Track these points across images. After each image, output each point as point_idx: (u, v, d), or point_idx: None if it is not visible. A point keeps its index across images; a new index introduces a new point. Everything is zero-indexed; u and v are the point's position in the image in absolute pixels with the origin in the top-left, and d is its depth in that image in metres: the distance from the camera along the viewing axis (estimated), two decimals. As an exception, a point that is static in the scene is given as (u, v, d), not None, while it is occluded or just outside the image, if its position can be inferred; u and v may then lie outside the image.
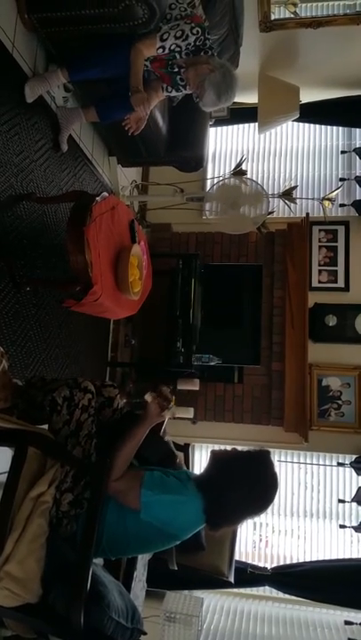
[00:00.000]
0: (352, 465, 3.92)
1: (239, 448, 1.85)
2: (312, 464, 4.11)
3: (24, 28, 2.55)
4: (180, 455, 3.32)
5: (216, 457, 1.84)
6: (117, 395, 2.03)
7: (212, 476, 1.77)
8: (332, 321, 4.14)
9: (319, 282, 4.31)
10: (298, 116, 4.11)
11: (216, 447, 4.20)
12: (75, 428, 1.75)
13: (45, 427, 1.76)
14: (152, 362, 4.21)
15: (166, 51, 2.49)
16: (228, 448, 1.87)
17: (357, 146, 4.46)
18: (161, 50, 2.47)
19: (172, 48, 2.48)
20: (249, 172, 4.19)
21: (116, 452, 1.72)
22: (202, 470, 1.86)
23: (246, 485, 1.71)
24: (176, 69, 2.64)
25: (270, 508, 1.80)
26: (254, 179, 4.55)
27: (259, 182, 3.74)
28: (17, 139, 2.51)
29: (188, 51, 2.51)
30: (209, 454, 1.87)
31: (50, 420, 1.76)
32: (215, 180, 4.53)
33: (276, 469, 1.79)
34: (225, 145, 4.79)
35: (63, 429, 1.74)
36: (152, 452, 1.94)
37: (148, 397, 1.82)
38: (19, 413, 1.92)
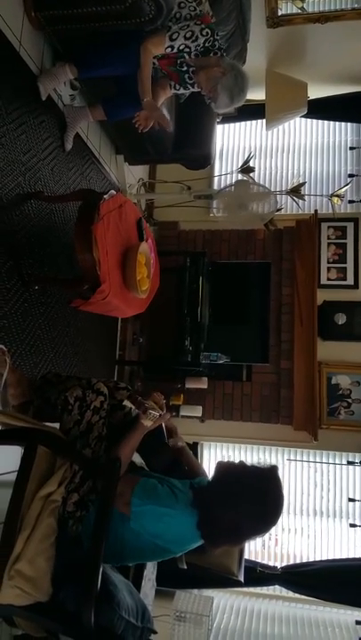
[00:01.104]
0: (362, 463, 3.90)
1: (249, 455, 1.78)
2: (322, 463, 4.08)
3: (31, 25, 2.55)
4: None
5: (221, 470, 1.75)
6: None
7: (213, 491, 1.69)
8: (341, 319, 4.11)
9: (328, 279, 4.28)
10: (306, 112, 4.08)
11: (225, 446, 4.21)
12: (85, 429, 1.74)
13: (57, 426, 1.75)
14: (160, 360, 4.21)
15: (175, 50, 2.48)
16: (236, 461, 1.78)
17: (366, 142, 4.43)
18: (170, 49, 2.47)
19: (180, 48, 2.47)
20: (257, 169, 4.17)
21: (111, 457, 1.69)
22: (209, 480, 1.80)
23: (247, 504, 1.61)
24: (185, 68, 2.63)
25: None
26: (262, 175, 4.56)
27: (267, 180, 3.71)
28: (24, 137, 2.51)
29: (197, 52, 2.51)
30: (215, 465, 1.79)
31: (61, 420, 1.75)
32: (223, 178, 4.52)
33: (286, 471, 1.70)
34: (232, 142, 4.77)
35: (73, 429, 1.73)
36: (158, 462, 1.92)
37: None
38: (34, 410, 1.92)
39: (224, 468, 1.76)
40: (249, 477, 1.68)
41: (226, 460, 1.87)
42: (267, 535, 4.05)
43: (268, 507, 1.64)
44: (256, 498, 1.62)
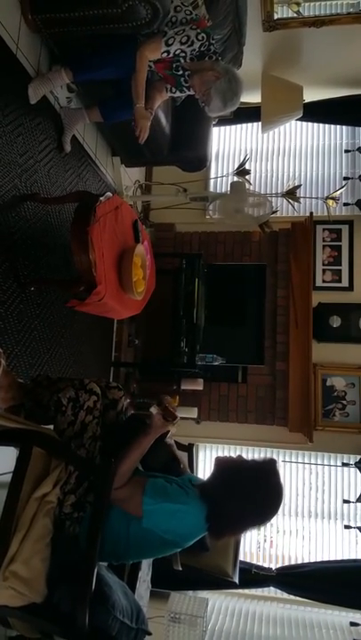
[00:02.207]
0: (357, 465, 3.91)
1: (245, 456, 1.83)
2: (317, 464, 4.10)
3: (28, 28, 2.56)
4: (184, 455, 3.31)
5: (221, 465, 1.81)
6: (122, 397, 2.02)
7: (216, 484, 1.74)
8: (336, 322, 4.12)
9: (323, 281, 4.30)
10: (301, 115, 4.10)
11: (220, 447, 4.22)
12: (79, 429, 1.75)
13: (51, 427, 1.75)
14: (156, 362, 4.21)
15: (171, 55, 2.50)
16: (234, 455, 1.85)
17: (361, 145, 4.45)
18: (166, 54, 2.49)
19: (176, 53, 2.49)
20: (252, 172, 4.19)
21: (120, 460, 1.70)
22: (207, 477, 1.84)
23: (250, 496, 1.68)
24: (181, 71, 2.64)
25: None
26: (258, 178, 4.58)
27: (262, 183, 3.71)
28: (21, 139, 2.51)
29: (193, 56, 2.53)
30: (214, 461, 1.84)
31: (55, 421, 1.76)
32: (218, 180, 4.54)
33: (281, 473, 1.76)
34: (228, 144, 4.78)
35: (67, 430, 1.74)
36: (156, 460, 1.93)
37: (153, 410, 1.81)
38: (26, 413, 1.92)
39: (224, 462, 1.82)
40: (249, 469, 1.75)
41: (223, 455, 1.93)
42: (262, 537, 4.08)
43: (270, 495, 1.71)
44: (258, 487, 1.69)
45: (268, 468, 1.75)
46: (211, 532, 1.71)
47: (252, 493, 1.68)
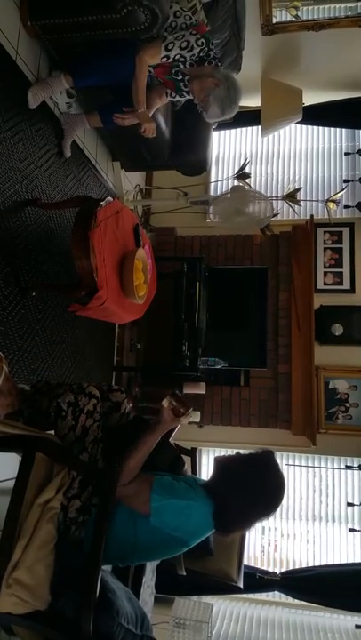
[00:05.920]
0: (360, 468, 3.90)
1: (242, 452, 1.84)
2: (320, 467, 4.08)
3: (27, 34, 2.57)
4: (187, 459, 3.30)
5: (220, 463, 1.83)
6: (125, 399, 2.02)
7: (219, 482, 1.76)
8: (338, 330, 4.12)
9: (325, 284, 4.30)
10: (301, 118, 4.11)
11: (223, 451, 4.20)
12: (80, 433, 1.74)
13: (52, 433, 1.75)
14: (158, 366, 4.20)
15: (170, 60, 2.51)
16: (232, 453, 1.87)
17: (361, 147, 4.46)
18: (165, 59, 2.50)
19: (176, 58, 2.50)
20: (253, 175, 4.20)
21: (128, 456, 1.71)
22: (208, 477, 1.85)
23: (253, 489, 1.70)
24: (180, 76, 2.65)
25: (279, 511, 1.79)
26: (258, 181, 4.59)
27: (263, 186, 3.72)
28: (21, 145, 2.52)
29: (192, 61, 2.54)
30: (213, 461, 1.86)
31: (55, 426, 1.75)
32: (219, 184, 4.55)
33: (283, 471, 1.78)
34: (228, 148, 4.80)
35: (69, 435, 1.73)
36: (161, 458, 1.93)
37: (165, 403, 1.79)
38: (25, 419, 1.91)
39: (223, 460, 1.85)
40: (249, 463, 1.78)
41: (221, 454, 1.94)
42: (266, 541, 4.06)
43: (272, 489, 1.74)
44: (260, 483, 1.71)
45: (266, 459, 1.78)
46: (218, 528, 1.72)
47: (254, 485, 1.71)
